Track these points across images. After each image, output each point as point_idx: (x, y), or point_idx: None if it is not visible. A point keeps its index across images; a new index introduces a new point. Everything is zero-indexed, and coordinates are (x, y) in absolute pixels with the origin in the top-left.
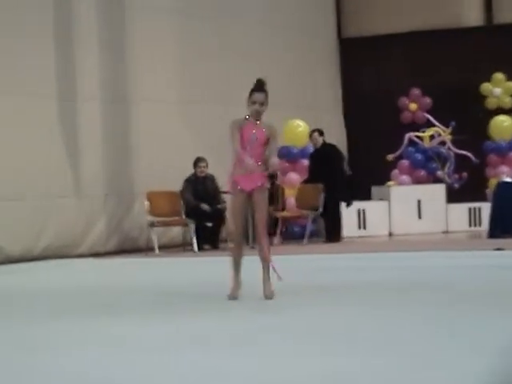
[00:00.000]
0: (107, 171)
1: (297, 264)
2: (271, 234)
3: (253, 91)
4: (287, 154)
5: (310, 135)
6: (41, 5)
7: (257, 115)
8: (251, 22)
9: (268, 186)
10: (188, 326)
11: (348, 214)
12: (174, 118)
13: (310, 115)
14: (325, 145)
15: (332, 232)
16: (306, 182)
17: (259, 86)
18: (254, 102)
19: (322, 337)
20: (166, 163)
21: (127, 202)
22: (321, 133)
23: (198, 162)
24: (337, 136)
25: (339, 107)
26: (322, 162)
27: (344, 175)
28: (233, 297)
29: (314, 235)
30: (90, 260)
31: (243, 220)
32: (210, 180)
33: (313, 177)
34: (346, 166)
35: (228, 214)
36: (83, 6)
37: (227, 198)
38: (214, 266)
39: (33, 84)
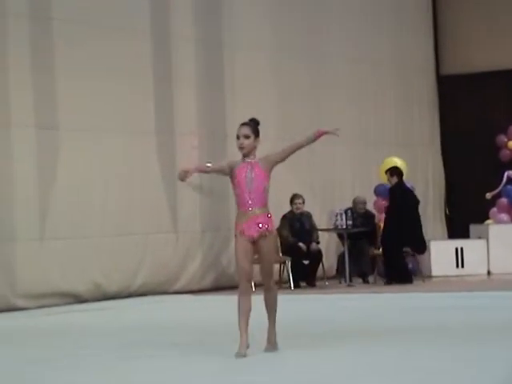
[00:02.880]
0: (204, 207)
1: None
2: (366, 272)
3: (240, 125)
4: (383, 192)
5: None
6: (141, 49)
7: (240, 150)
8: (347, 59)
9: (273, 230)
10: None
11: (445, 252)
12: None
13: (407, 153)
14: (395, 186)
15: (392, 275)
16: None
17: (246, 121)
18: (237, 137)
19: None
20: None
21: (224, 238)
22: (392, 173)
23: (294, 198)
24: (434, 173)
25: (437, 144)
26: (390, 202)
27: (413, 220)
28: (240, 354)
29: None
30: (186, 297)
31: (249, 267)
32: (306, 217)
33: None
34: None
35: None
36: (182, 44)
37: (323, 235)
38: (309, 304)
39: (133, 121)
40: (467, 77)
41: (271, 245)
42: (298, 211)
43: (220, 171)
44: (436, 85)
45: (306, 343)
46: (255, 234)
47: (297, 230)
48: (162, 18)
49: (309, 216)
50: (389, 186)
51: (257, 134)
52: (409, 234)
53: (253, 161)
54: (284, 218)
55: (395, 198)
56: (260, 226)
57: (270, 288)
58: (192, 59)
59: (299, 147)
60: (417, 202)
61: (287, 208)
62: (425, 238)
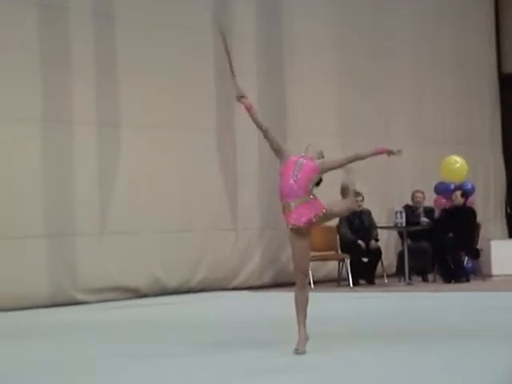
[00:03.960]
0: (264, 204)
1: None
2: (426, 270)
3: None
4: (445, 190)
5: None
6: (203, 46)
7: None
8: (409, 55)
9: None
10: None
11: (506, 251)
12: (331, 151)
13: (468, 151)
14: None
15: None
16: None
17: None
18: None
19: None
20: (324, 197)
21: (283, 234)
22: (463, 194)
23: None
24: (495, 172)
25: (498, 143)
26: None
27: (468, 233)
28: (297, 351)
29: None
30: (245, 293)
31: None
32: (366, 214)
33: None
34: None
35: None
36: (242, 41)
37: (383, 233)
38: (368, 302)
39: (194, 118)
40: None
41: (303, 239)
42: (359, 208)
43: (268, 138)
44: (498, 83)
45: (364, 341)
46: (293, 224)
47: (356, 227)
48: (224, 14)
49: (368, 213)
50: (450, 186)
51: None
52: (463, 242)
53: (309, 156)
54: None
55: (452, 216)
56: (298, 217)
57: (301, 287)
58: (253, 55)
59: (357, 159)
60: (475, 226)
61: None
62: (478, 248)
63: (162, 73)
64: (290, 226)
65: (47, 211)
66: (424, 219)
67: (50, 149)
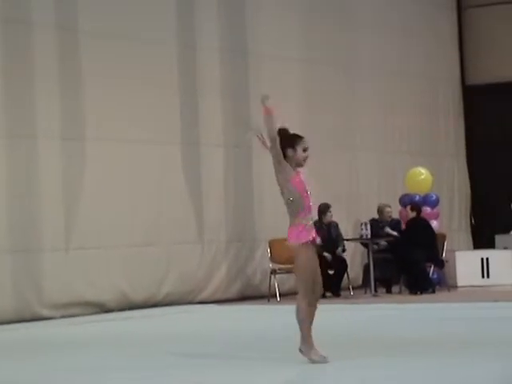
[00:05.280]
0: (230, 218)
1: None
2: (390, 282)
3: (300, 137)
4: (409, 202)
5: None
6: (166, 59)
7: (304, 163)
8: (375, 69)
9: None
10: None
11: (471, 262)
12: None
13: (433, 162)
14: (411, 220)
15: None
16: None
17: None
18: (305, 150)
19: None
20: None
21: (249, 248)
22: (412, 208)
23: (327, 209)
24: (460, 183)
25: (462, 154)
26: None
27: (429, 246)
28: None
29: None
30: (212, 306)
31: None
32: (333, 227)
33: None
34: None
35: None
36: (207, 54)
37: (349, 245)
38: (335, 314)
39: (158, 131)
40: (493, 86)
41: (297, 256)
42: (328, 221)
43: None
44: (462, 95)
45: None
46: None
47: (323, 239)
48: (187, 28)
49: (335, 225)
50: (415, 198)
51: None
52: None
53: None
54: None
55: (409, 230)
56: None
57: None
58: (217, 69)
59: (270, 133)
60: (433, 236)
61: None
62: (442, 258)
63: (126, 86)
64: (312, 242)
65: (12, 226)
66: (389, 231)
67: (13, 164)
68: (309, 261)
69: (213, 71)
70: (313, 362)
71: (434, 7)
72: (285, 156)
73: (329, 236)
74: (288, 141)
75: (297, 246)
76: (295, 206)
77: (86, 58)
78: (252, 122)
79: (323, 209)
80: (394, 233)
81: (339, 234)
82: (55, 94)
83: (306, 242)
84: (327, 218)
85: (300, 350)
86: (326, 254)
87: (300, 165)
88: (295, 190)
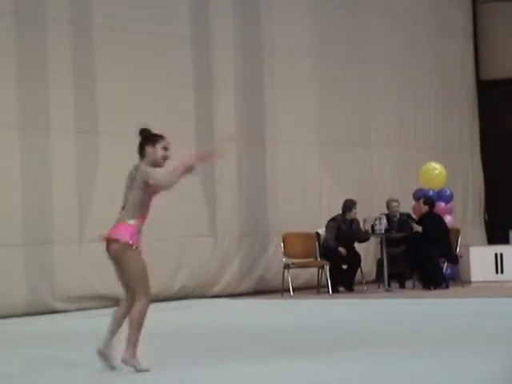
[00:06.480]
0: (243, 211)
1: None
2: (404, 277)
3: (162, 136)
4: (422, 197)
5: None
6: (181, 54)
7: (165, 161)
8: (388, 64)
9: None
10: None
11: (485, 258)
12: (311, 159)
13: (447, 157)
14: (424, 214)
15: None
16: None
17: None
18: (166, 148)
19: None
20: (302, 204)
21: (262, 242)
22: (425, 202)
23: (353, 205)
24: (473, 179)
25: (476, 149)
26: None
27: (443, 241)
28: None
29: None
30: (225, 300)
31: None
32: (355, 224)
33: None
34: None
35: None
36: (221, 49)
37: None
38: (347, 309)
39: (171, 124)
40: (508, 81)
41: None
42: (351, 217)
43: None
44: (476, 90)
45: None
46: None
47: (344, 234)
48: (201, 23)
49: (357, 222)
50: (428, 193)
51: None
52: (440, 250)
53: None
54: (333, 220)
55: (421, 225)
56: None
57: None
58: (232, 63)
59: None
60: (446, 231)
61: (326, 213)
62: (456, 253)
63: (140, 80)
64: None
65: (25, 219)
66: (415, 226)
67: (27, 156)
68: (144, 262)
69: (226, 65)
70: (138, 370)
71: (449, 2)
72: (145, 154)
73: (349, 232)
74: (148, 139)
75: (130, 246)
76: (138, 209)
77: (100, 51)
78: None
79: (350, 205)
80: (419, 228)
81: (359, 230)
82: (69, 87)
83: (138, 247)
84: (351, 215)
85: (124, 361)
86: (340, 248)
87: (158, 164)
88: (147, 196)
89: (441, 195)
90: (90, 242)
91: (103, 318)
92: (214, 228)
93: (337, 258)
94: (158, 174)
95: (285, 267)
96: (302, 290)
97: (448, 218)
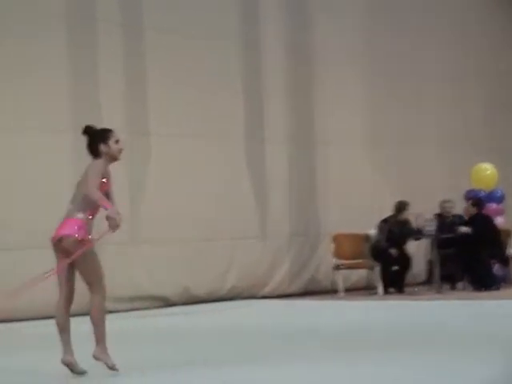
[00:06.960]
0: (293, 212)
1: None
2: (455, 279)
3: (110, 130)
4: (472, 198)
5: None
6: (230, 58)
7: (120, 154)
8: (442, 64)
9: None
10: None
11: None
12: (362, 160)
13: (499, 158)
14: (474, 216)
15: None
16: None
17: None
18: (118, 141)
19: None
20: (352, 205)
21: (313, 243)
22: (474, 203)
23: (406, 206)
24: None
25: None
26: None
27: (494, 242)
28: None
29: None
30: (275, 301)
31: None
32: (408, 225)
33: None
34: None
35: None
36: (272, 55)
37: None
38: (398, 310)
39: (222, 127)
40: None
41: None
42: (404, 218)
43: None
44: None
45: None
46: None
47: (395, 235)
48: (252, 28)
49: (409, 223)
50: (479, 194)
51: None
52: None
53: None
54: (385, 221)
55: (471, 226)
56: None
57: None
58: (282, 65)
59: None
60: (496, 232)
61: (376, 214)
62: (507, 255)
63: (191, 82)
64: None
65: None
66: (462, 229)
67: (79, 157)
68: (97, 256)
69: (277, 70)
70: (110, 367)
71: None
72: (98, 153)
73: (401, 234)
74: (99, 136)
75: (80, 240)
76: (89, 203)
77: (151, 55)
78: None
79: (403, 206)
80: (467, 229)
81: (411, 231)
82: (120, 89)
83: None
84: (404, 216)
85: (95, 357)
86: (391, 250)
87: (115, 158)
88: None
89: (492, 196)
90: (141, 242)
91: (155, 318)
92: (265, 228)
93: (388, 259)
94: (93, 188)
95: (335, 268)
96: (351, 291)
97: (499, 219)
